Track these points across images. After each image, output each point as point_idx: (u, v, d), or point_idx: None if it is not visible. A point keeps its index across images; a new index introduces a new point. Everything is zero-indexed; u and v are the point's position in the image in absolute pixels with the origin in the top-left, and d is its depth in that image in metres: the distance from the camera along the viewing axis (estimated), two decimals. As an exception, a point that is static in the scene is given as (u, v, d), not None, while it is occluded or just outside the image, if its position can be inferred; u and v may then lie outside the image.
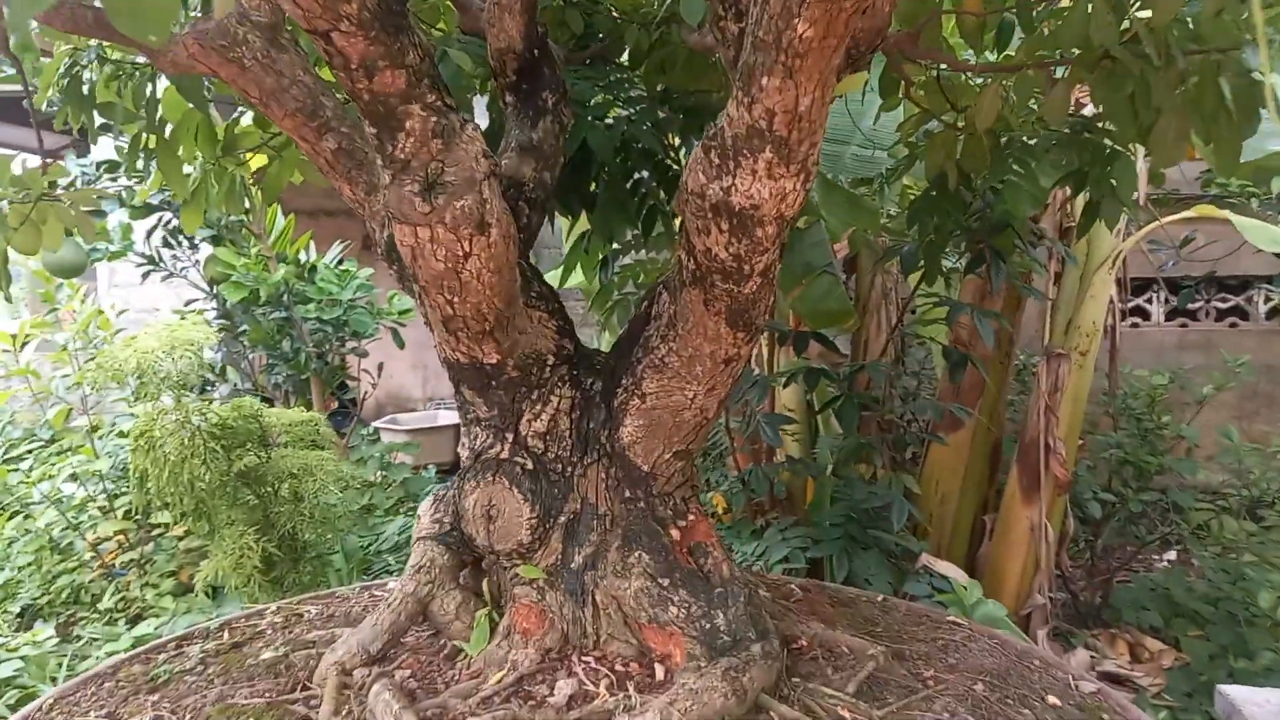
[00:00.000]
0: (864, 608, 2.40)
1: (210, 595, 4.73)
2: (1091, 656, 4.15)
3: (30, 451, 5.63)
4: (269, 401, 5.80)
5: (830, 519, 3.82)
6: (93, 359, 3.78)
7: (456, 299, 1.65)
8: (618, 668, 1.74)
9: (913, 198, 3.15)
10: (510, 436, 1.82)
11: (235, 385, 6.35)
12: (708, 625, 1.73)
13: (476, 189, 1.53)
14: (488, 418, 1.84)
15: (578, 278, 3.95)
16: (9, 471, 5.25)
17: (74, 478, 4.74)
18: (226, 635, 2.28)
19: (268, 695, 1.77)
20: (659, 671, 1.73)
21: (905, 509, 3.67)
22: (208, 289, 5.79)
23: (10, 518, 5.00)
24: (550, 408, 1.82)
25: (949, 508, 4.41)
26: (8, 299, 1.97)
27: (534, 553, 1.80)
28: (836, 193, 3.30)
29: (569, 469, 1.82)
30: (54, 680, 3.88)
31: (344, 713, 1.61)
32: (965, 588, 3.42)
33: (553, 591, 1.80)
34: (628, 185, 2.45)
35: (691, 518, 1.89)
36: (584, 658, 1.76)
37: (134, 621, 4.61)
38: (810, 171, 1.41)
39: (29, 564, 4.93)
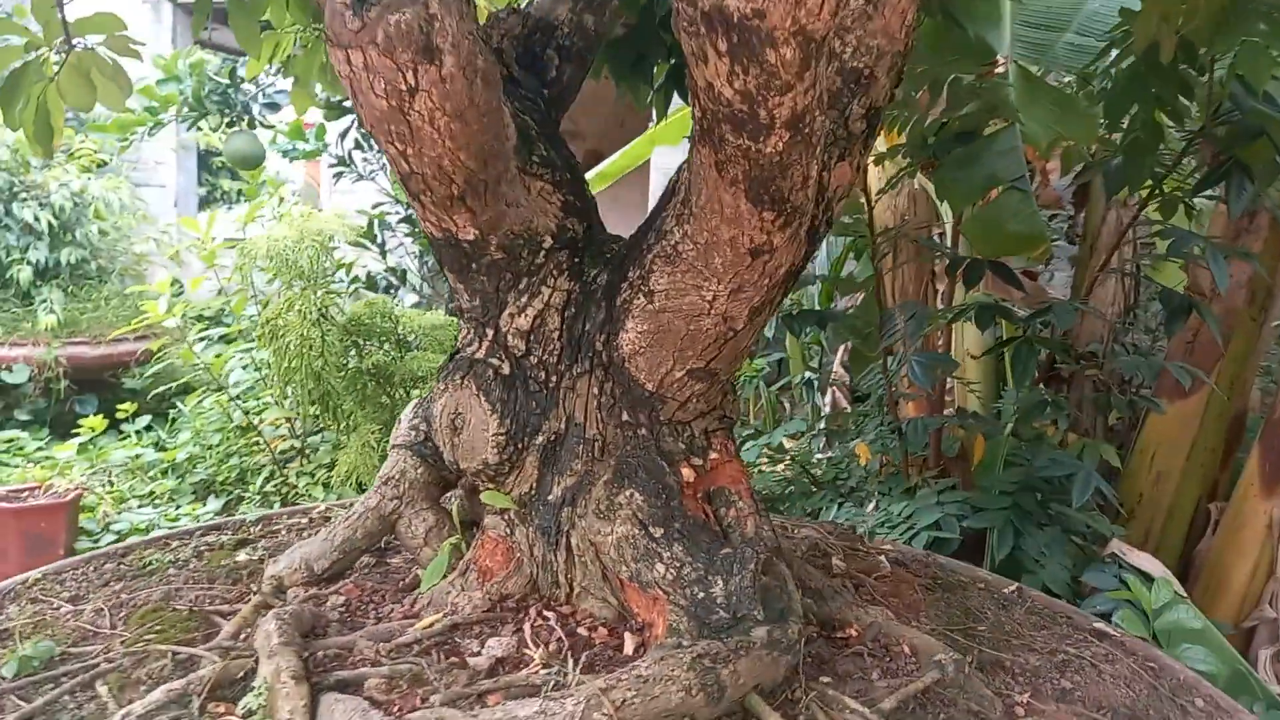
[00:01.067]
0: (976, 596, 1.88)
1: (358, 489, 4.76)
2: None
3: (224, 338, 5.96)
4: (452, 312, 5.82)
5: (1000, 485, 3.21)
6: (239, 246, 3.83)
7: (410, 150, 1.31)
8: (580, 631, 1.37)
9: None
10: (489, 333, 1.47)
11: (416, 290, 6.43)
12: (700, 594, 1.32)
13: (420, 1, 1.18)
14: (469, 308, 1.50)
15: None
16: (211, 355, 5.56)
17: (244, 366, 4.93)
18: (252, 529, 2.14)
19: (206, 601, 1.56)
20: (629, 644, 1.35)
21: (1092, 482, 2.98)
22: (391, 191, 5.83)
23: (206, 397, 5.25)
24: (539, 301, 1.45)
25: (1165, 489, 3.62)
26: (47, 155, 1.84)
27: (504, 476, 1.45)
28: (1040, 90, 2.64)
29: (554, 378, 1.45)
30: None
31: (243, 636, 1.36)
32: (1152, 585, 2.75)
33: (523, 527, 1.46)
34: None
35: (715, 455, 1.47)
36: (545, 613, 1.41)
37: (291, 504, 4.77)
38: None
39: (218, 444, 5.22)
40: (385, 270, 5.87)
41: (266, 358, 5.08)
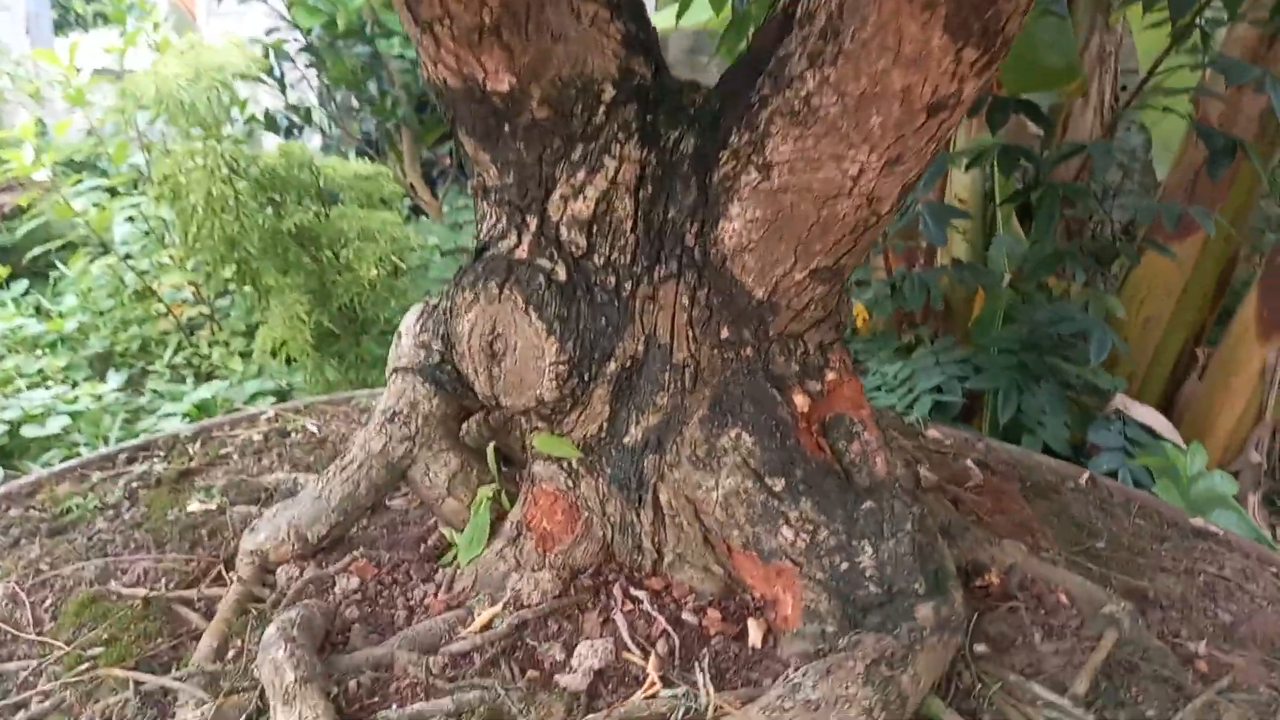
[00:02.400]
0: (1069, 498, 1.64)
1: (287, 362, 4.29)
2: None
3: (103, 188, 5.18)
4: (365, 155, 5.17)
5: (1001, 343, 2.98)
6: (118, 85, 3.17)
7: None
8: (687, 617, 1.06)
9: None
10: (534, 222, 1.07)
11: (324, 131, 5.72)
12: (844, 564, 1.02)
13: None
14: (498, 186, 1.09)
15: (703, 12, 3.01)
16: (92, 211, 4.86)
17: (131, 220, 4.27)
18: (191, 450, 1.73)
19: (161, 579, 1.19)
20: (754, 632, 1.04)
21: (1108, 340, 2.78)
22: (287, 15, 5.02)
23: (93, 260, 4.60)
24: (602, 177, 1.04)
25: (1152, 335, 3.49)
26: None
27: (564, 416, 1.09)
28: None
29: (628, 284, 1.06)
30: (105, 440, 3.57)
31: (231, 652, 1.00)
32: (1181, 451, 2.60)
33: (591, 478, 1.11)
34: None
35: (832, 376, 1.13)
36: (634, 591, 1.08)
37: (205, 378, 4.29)
38: None
39: (110, 310, 4.62)
40: (286, 108, 5.14)
41: (160, 213, 4.44)
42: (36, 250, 4.20)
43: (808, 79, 0.96)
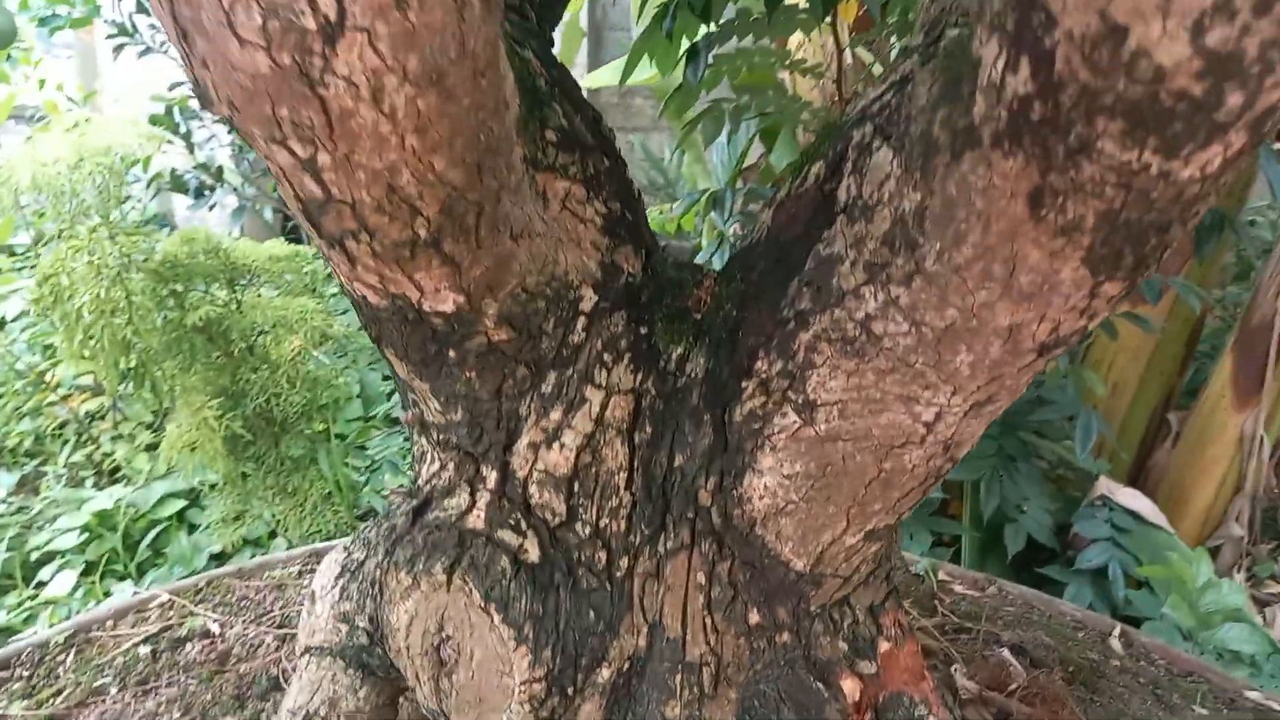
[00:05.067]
0: (1125, 690, 1.40)
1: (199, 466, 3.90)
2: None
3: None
4: (282, 212, 4.80)
5: (976, 423, 2.78)
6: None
7: (326, 156, 0.58)
8: None
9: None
10: (493, 477, 0.78)
11: (237, 191, 5.32)
12: None
13: None
14: (442, 425, 0.80)
15: (646, 72, 2.75)
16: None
17: (28, 308, 3.85)
18: (62, 670, 1.39)
19: None
20: None
21: (1094, 427, 2.59)
22: (193, 69, 4.65)
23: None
24: (584, 416, 0.77)
25: (1120, 401, 3.34)
26: None
27: (539, 736, 0.80)
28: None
29: (625, 561, 0.78)
30: (-13, 560, 3.15)
31: None
32: (1188, 562, 2.42)
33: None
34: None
35: (886, 646, 0.87)
36: None
37: (108, 477, 3.88)
38: None
39: (1, 399, 4.17)
40: (195, 167, 4.76)
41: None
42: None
43: (866, 298, 0.70)
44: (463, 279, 0.71)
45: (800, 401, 0.74)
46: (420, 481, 0.84)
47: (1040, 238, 0.59)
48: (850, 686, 0.84)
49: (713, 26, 2.00)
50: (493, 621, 0.75)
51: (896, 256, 0.68)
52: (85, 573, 3.29)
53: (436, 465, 0.82)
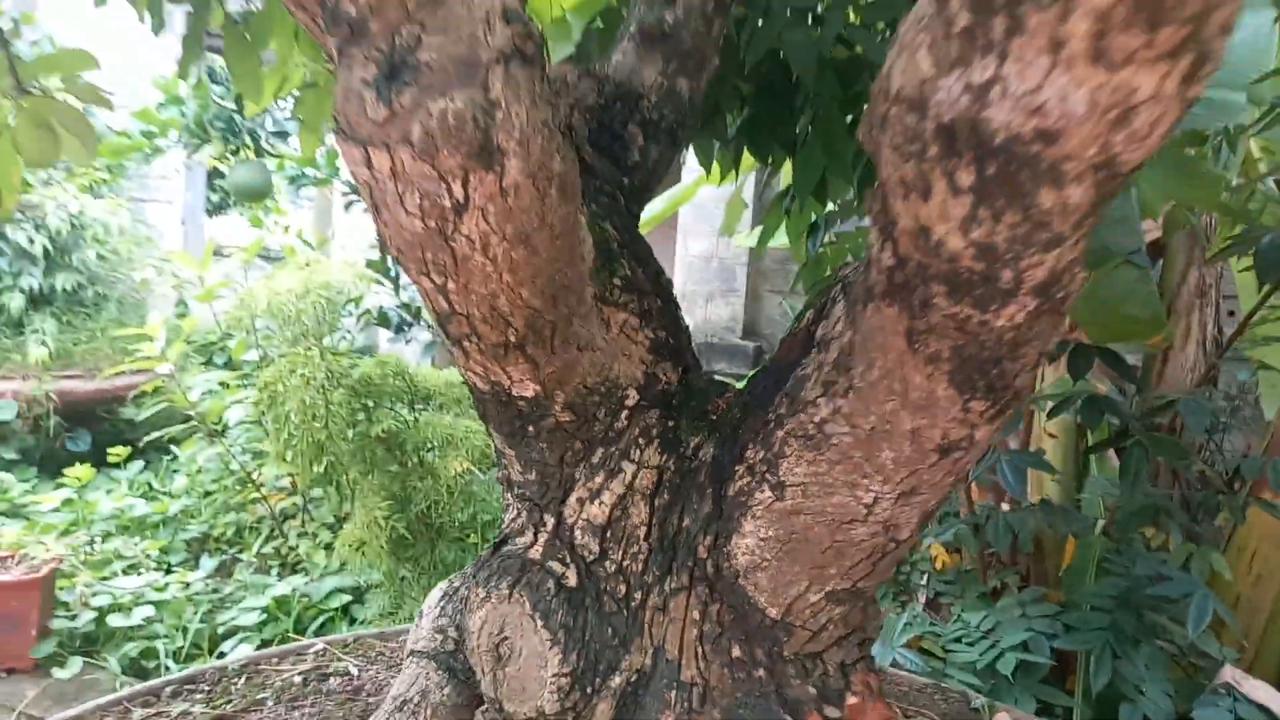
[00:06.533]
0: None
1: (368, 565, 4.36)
2: None
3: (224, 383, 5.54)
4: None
5: (1093, 599, 2.79)
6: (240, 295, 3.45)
7: (452, 285, 0.91)
8: None
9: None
10: (550, 522, 1.07)
11: (430, 329, 6.03)
12: None
13: (479, 81, 0.78)
14: (521, 482, 1.11)
15: (780, 238, 3.12)
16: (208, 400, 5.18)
17: (239, 402, 4.53)
18: (234, 688, 1.74)
19: None
20: None
21: (1209, 606, 2.57)
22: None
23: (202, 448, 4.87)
24: (619, 482, 1.05)
25: (1266, 592, 3.20)
26: (4, 217, 1.47)
27: (565, 727, 1.05)
28: (1159, 150, 2.23)
29: (639, 594, 1.05)
30: (184, 630, 3.65)
31: None
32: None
33: (592, 797, 1.06)
34: (847, 120, 1.62)
35: (854, 700, 1.07)
36: None
37: (290, 568, 4.39)
38: (1212, 52, 0.54)
39: (213, 494, 4.83)
40: (399, 305, 5.49)
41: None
42: (153, 434, 4.46)
43: (821, 406, 0.95)
44: (539, 374, 1.02)
45: (774, 481, 0.99)
46: (504, 525, 1.14)
47: (918, 364, 0.84)
48: (818, 727, 1.04)
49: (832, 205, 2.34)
50: (536, 625, 1.02)
51: (839, 376, 0.94)
52: (259, 648, 3.71)
53: (514, 513, 1.12)
